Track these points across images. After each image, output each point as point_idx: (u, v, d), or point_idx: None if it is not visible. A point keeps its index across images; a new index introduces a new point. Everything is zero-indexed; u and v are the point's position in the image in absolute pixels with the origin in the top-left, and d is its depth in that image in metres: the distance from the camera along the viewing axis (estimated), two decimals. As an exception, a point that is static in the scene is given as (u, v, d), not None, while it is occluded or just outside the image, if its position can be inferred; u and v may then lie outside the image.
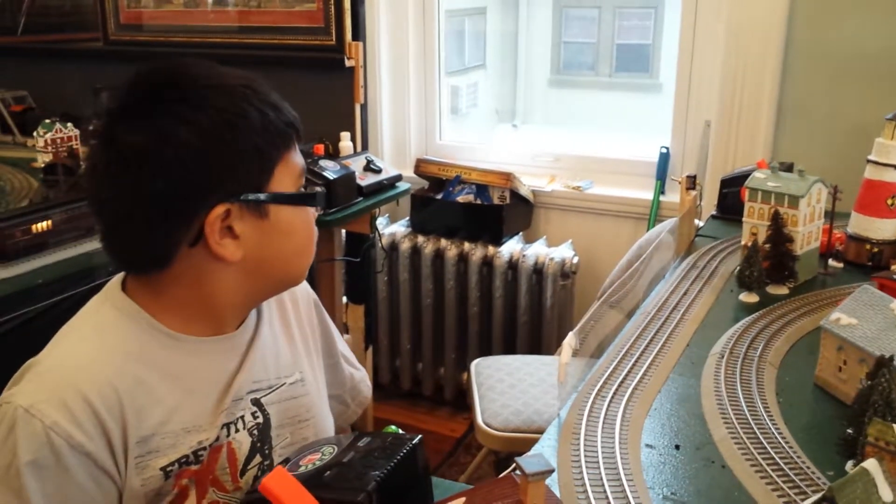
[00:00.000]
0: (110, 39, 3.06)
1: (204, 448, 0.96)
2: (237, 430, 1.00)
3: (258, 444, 1.03)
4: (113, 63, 3.04)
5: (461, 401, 2.97)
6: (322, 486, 0.82)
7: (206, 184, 0.90)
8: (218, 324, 1.00)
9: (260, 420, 1.03)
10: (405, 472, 0.86)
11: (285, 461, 0.89)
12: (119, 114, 0.91)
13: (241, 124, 0.91)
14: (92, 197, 0.95)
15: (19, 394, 0.88)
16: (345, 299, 2.55)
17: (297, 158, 0.98)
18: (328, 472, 0.83)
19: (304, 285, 1.18)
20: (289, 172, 0.97)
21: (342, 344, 1.30)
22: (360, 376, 1.34)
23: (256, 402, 1.03)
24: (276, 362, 1.08)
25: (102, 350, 0.92)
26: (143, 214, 0.90)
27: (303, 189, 0.99)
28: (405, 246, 2.87)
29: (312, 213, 1.01)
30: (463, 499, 0.82)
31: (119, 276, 1.00)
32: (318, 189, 1.04)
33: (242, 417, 1.01)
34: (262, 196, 0.93)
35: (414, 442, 0.89)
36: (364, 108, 2.60)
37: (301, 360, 1.13)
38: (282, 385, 1.07)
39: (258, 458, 1.03)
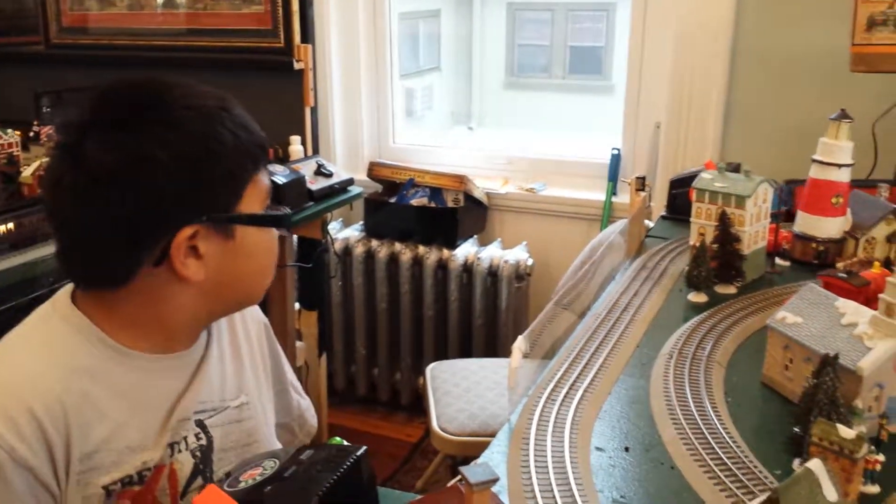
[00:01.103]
0: (52, 43, 2.98)
1: (148, 469, 0.94)
2: (180, 451, 0.98)
3: (200, 466, 1.01)
4: (56, 67, 2.97)
5: (417, 406, 2.95)
6: (262, 502, 0.80)
7: (177, 206, 0.89)
8: (169, 342, 0.98)
9: (203, 441, 1.01)
10: (349, 484, 0.84)
11: (226, 476, 0.86)
12: (89, 127, 0.88)
13: (217, 148, 0.91)
14: (53, 211, 0.92)
15: None
16: (297, 305, 2.52)
17: (264, 179, 0.98)
18: (269, 488, 0.81)
19: (256, 309, 1.17)
20: (257, 193, 0.96)
21: (290, 372, 1.28)
22: (306, 405, 1.33)
23: (200, 424, 1.01)
24: (222, 384, 1.06)
25: (50, 363, 0.90)
26: (109, 234, 0.89)
27: (268, 210, 0.99)
28: (359, 250, 2.84)
29: (275, 233, 1.00)
30: (408, 510, 0.81)
31: (67, 288, 0.97)
32: (286, 210, 1.03)
33: (186, 438, 0.99)
34: (232, 217, 0.93)
35: (358, 454, 0.86)
36: (315, 111, 2.57)
37: (248, 384, 1.11)
38: (226, 408, 1.05)
39: (199, 481, 1.01)
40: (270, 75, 2.54)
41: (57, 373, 0.89)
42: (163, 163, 0.87)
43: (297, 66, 2.49)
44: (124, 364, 0.94)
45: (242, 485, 0.82)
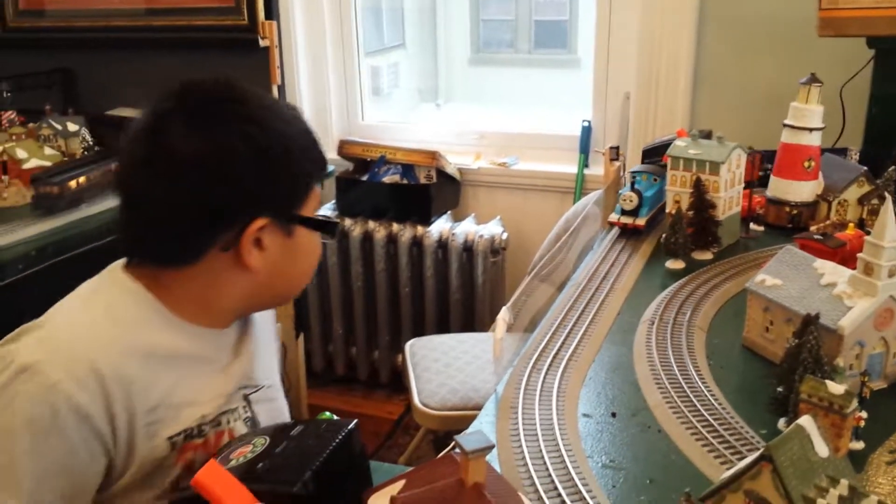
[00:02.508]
0: (9, 27, 2.89)
1: (206, 423, 1.00)
2: (235, 420, 1.05)
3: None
4: (14, 51, 2.88)
5: (397, 383, 2.95)
6: (256, 478, 0.79)
7: (254, 198, 0.97)
8: (212, 322, 1.04)
9: (249, 414, 1.08)
10: (342, 458, 0.84)
11: (217, 454, 0.85)
12: (172, 115, 0.95)
13: (293, 150, 1.00)
14: (129, 191, 0.99)
15: (22, 351, 0.90)
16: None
17: (318, 189, 1.08)
18: (261, 465, 0.80)
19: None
20: (314, 200, 1.06)
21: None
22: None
23: (246, 399, 1.09)
24: (260, 366, 1.13)
25: (111, 325, 0.95)
26: (188, 217, 0.95)
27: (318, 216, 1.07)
28: (332, 230, 2.81)
29: (321, 239, 1.09)
30: (403, 481, 0.80)
31: (120, 262, 1.03)
32: (336, 219, 1.11)
33: (237, 409, 1.06)
34: (296, 217, 1.02)
35: (349, 427, 0.86)
36: (282, 89, 2.53)
37: (271, 369, 1.20)
38: (263, 387, 1.12)
39: None
40: (235, 54, 2.49)
41: (118, 332, 0.94)
42: (244, 155, 0.94)
43: (262, 43, 2.45)
44: (179, 331, 1.00)
45: (234, 463, 0.81)
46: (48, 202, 2.08)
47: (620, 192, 1.70)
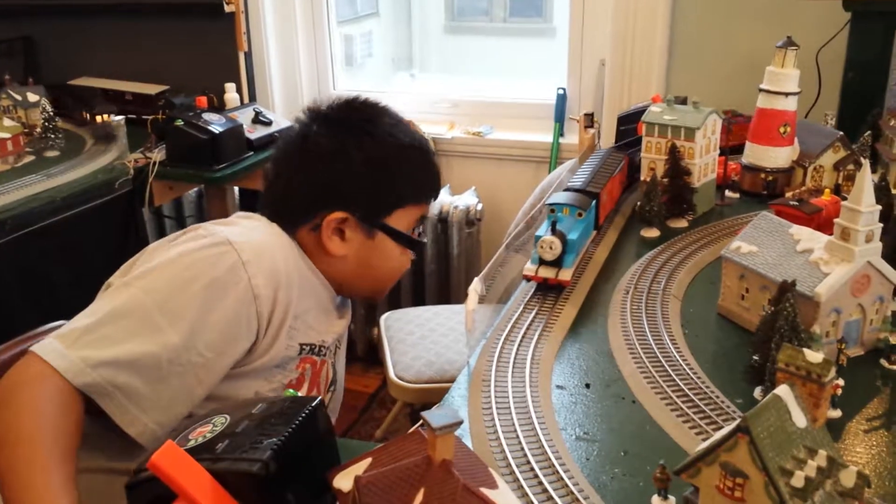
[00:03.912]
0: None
1: (323, 346, 1.20)
2: (330, 358, 1.26)
3: (335, 376, 1.31)
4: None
5: (373, 357, 2.92)
6: (215, 458, 0.76)
7: (340, 194, 1.18)
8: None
9: (334, 361, 1.29)
10: (306, 436, 0.81)
11: (174, 435, 0.82)
12: (320, 119, 1.21)
13: (393, 170, 1.20)
14: (277, 167, 1.24)
15: (225, 231, 1.10)
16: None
17: (422, 210, 1.26)
18: (221, 444, 0.77)
19: None
20: (408, 216, 1.23)
21: None
22: None
23: (337, 349, 1.30)
24: (343, 334, 1.33)
25: (285, 244, 1.17)
26: (300, 191, 1.19)
27: (413, 233, 1.25)
28: (304, 202, 2.76)
29: (408, 254, 1.26)
30: (369, 459, 0.78)
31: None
32: (424, 240, 1.31)
33: (332, 350, 1.27)
34: (375, 223, 1.20)
35: (313, 404, 0.83)
36: (249, 57, 2.46)
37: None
38: (341, 345, 1.34)
39: (333, 387, 1.31)
40: (200, 19, 2.43)
41: (289, 251, 1.16)
42: (352, 160, 1.18)
43: (227, 8, 2.38)
44: (311, 271, 1.20)
45: (192, 443, 0.78)
46: None
47: (537, 234, 1.31)
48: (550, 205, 1.37)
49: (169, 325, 1.00)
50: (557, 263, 1.29)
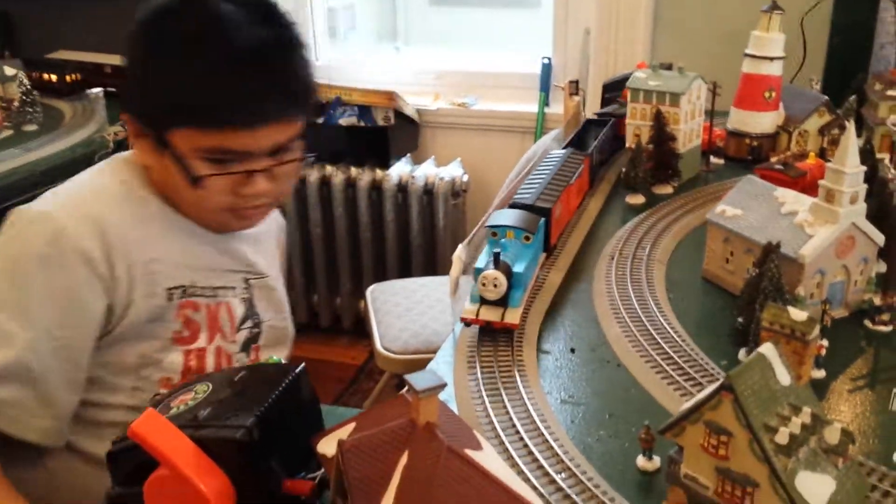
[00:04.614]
0: (-65, -35, 2.73)
1: (198, 288, 1.12)
2: (233, 296, 1.19)
3: (248, 313, 1.21)
4: None
5: (360, 329, 2.92)
6: (197, 426, 0.75)
7: (126, 92, 1.09)
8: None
9: (247, 295, 1.21)
10: (289, 403, 0.80)
11: (154, 404, 0.81)
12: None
13: (168, 73, 1.01)
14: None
15: (35, 205, 1.03)
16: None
17: (212, 139, 1.03)
18: (203, 412, 0.76)
19: (277, 213, 1.35)
20: (192, 140, 1.03)
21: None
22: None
23: (246, 281, 1.21)
24: (261, 258, 1.25)
25: (116, 185, 1.08)
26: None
27: (201, 162, 1.04)
28: (288, 175, 2.74)
29: (213, 182, 1.06)
30: (353, 424, 0.77)
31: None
32: (202, 174, 1.06)
33: (234, 287, 1.19)
34: (162, 137, 1.03)
35: (297, 371, 0.82)
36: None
37: (275, 269, 1.31)
38: (264, 277, 1.25)
39: (249, 323, 1.21)
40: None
41: (121, 191, 1.08)
42: (135, 54, 1.05)
43: (208, -21, 2.33)
44: (172, 213, 1.12)
45: (174, 411, 0.77)
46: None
47: (477, 266, 1.06)
48: (491, 227, 1.13)
49: (17, 325, 0.98)
50: (502, 302, 1.04)
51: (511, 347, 1.04)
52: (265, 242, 1.29)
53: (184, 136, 1.02)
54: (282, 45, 1.06)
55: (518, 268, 1.06)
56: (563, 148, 1.52)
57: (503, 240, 1.11)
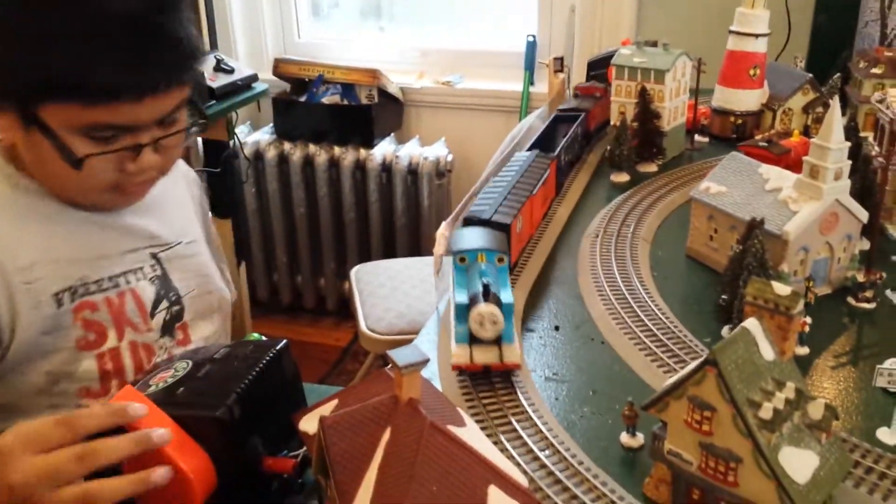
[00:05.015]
0: None
1: (93, 282, 1.00)
2: (138, 280, 1.06)
3: (161, 292, 1.09)
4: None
5: (344, 310, 2.91)
6: (177, 404, 0.74)
7: None
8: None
9: (158, 272, 1.10)
10: (271, 380, 0.79)
11: (134, 382, 0.80)
12: None
13: (35, 40, 0.88)
14: None
15: None
16: (209, 214, 2.39)
17: (91, 114, 0.90)
18: (182, 389, 0.75)
19: (184, 165, 1.25)
20: (70, 116, 0.90)
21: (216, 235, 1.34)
22: (228, 276, 1.34)
23: (154, 257, 1.10)
24: (169, 224, 1.13)
25: None
26: None
27: (84, 136, 0.91)
28: (271, 154, 2.72)
29: (89, 167, 0.94)
30: (336, 401, 0.76)
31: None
32: (80, 156, 0.92)
33: (142, 269, 1.08)
34: (31, 114, 0.90)
35: (278, 347, 0.81)
36: (209, 4, 2.38)
37: (192, 228, 1.20)
38: (177, 244, 1.13)
39: (165, 304, 1.10)
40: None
41: None
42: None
43: (187, -46, 2.29)
44: (48, 197, 1.00)
45: (153, 388, 0.76)
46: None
47: (458, 302, 0.91)
48: (460, 253, 0.98)
49: None
50: (496, 340, 0.90)
51: (495, 325, 1.03)
52: (170, 206, 1.16)
53: (58, 112, 0.89)
54: (163, 4, 0.92)
55: (505, 297, 0.91)
56: (529, 149, 1.41)
57: (473, 265, 0.97)
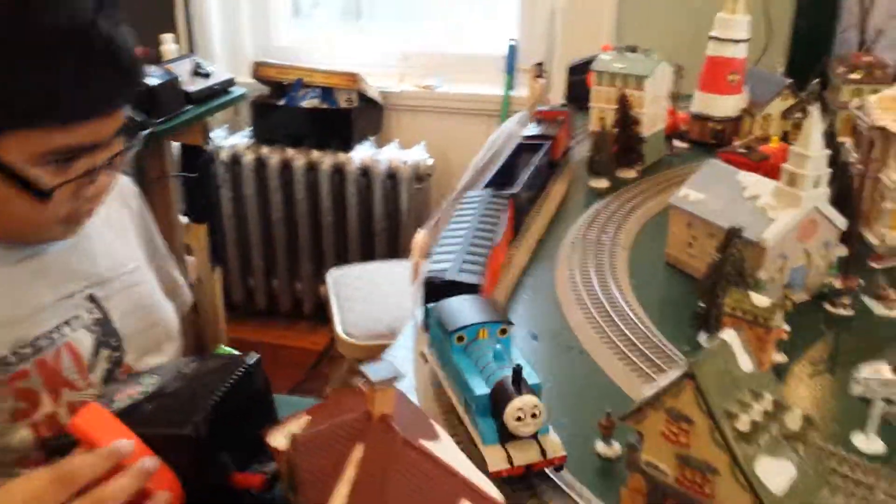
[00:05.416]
0: None
1: (28, 344, 0.91)
2: (74, 331, 0.97)
3: (101, 339, 1.00)
4: None
5: (321, 314, 2.88)
6: (144, 421, 0.72)
7: None
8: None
9: (98, 315, 1.01)
10: (242, 396, 0.77)
11: (98, 396, 0.77)
12: None
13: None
14: None
15: None
16: (185, 219, 2.37)
17: (51, 140, 0.84)
18: (150, 406, 0.73)
19: (126, 180, 1.17)
20: (27, 145, 0.83)
21: (163, 242, 1.26)
22: (181, 281, 1.29)
23: (91, 298, 1.01)
24: (104, 258, 1.04)
25: None
26: None
27: (40, 168, 0.85)
28: (248, 158, 2.69)
29: (48, 201, 0.87)
30: (306, 416, 0.75)
31: None
32: (48, 188, 0.86)
33: (78, 317, 0.98)
34: None
35: (249, 363, 0.79)
36: (187, 6, 2.35)
37: (135, 250, 1.12)
38: (120, 275, 1.05)
39: (106, 352, 1.00)
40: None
41: None
42: None
43: (163, -45, 2.26)
44: None
45: (118, 405, 0.74)
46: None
47: (479, 393, 0.78)
48: (457, 332, 0.84)
49: None
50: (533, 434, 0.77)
51: (472, 334, 1.02)
52: (106, 231, 1.08)
53: (16, 144, 0.83)
54: (107, 17, 0.87)
55: (532, 380, 0.78)
56: (485, 186, 1.28)
57: (474, 343, 0.84)
